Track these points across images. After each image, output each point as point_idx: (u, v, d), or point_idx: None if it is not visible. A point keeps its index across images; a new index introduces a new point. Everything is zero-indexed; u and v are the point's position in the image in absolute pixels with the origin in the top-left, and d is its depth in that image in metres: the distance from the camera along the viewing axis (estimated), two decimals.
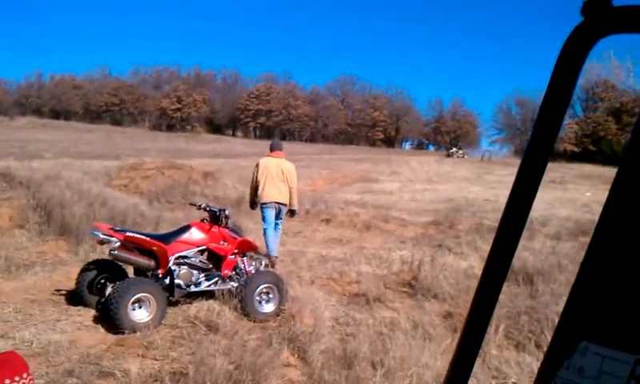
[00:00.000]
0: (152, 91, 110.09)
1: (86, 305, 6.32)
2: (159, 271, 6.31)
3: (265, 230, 9.11)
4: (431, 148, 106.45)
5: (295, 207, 9.36)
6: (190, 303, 6.45)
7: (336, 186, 24.91)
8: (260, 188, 9.10)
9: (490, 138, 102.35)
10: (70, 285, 6.72)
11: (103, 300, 6.02)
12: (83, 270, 6.45)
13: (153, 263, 6.28)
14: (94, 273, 6.38)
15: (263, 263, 7.14)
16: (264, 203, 9.08)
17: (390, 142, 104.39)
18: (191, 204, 8.11)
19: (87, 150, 41.67)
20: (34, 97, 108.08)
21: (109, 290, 5.91)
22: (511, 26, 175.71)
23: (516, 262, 8.13)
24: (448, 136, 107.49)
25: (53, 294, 6.83)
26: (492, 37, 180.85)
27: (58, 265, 8.26)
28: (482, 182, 29.47)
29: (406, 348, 5.02)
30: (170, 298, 6.27)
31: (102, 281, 6.33)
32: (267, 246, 9.05)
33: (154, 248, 6.28)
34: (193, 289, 6.51)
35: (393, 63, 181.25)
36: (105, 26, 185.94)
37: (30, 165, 17.45)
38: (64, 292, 6.81)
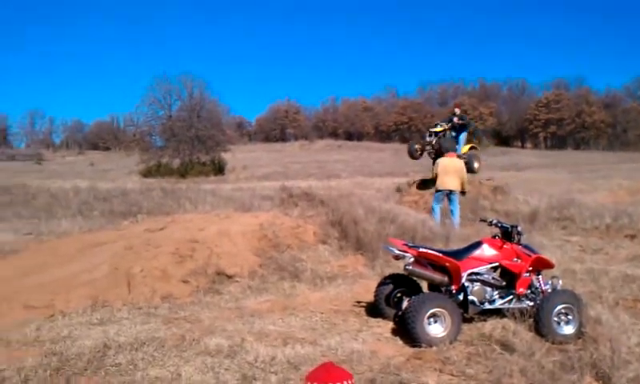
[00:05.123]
0: (438, 107, 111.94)
1: (384, 317, 6.63)
2: (453, 287, 6.36)
3: (434, 207, 12.95)
4: None
5: (466, 189, 13.09)
6: (485, 320, 6.37)
7: None
8: (438, 178, 12.88)
9: None
10: (369, 297, 7.11)
11: (400, 313, 6.26)
12: (380, 284, 6.80)
13: (446, 279, 6.36)
14: (390, 287, 6.68)
15: (560, 282, 6.75)
16: (440, 190, 12.89)
17: None
18: (482, 220, 8.02)
19: (378, 168, 44.01)
20: (329, 120, 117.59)
21: (405, 304, 6.13)
22: None
23: None
24: None
25: (354, 305, 7.29)
26: None
27: (358, 278, 8.78)
28: None
29: None
30: (464, 314, 6.29)
31: (399, 295, 6.59)
32: (435, 218, 12.48)
33: (447, 264, 6.35)
34: (487, 306, 6.42)
35: None
36: (391, 50, 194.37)
37: (328, 184, 19.01)
38: (364, 304, 7.23)
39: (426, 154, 16.35)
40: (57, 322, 6.59)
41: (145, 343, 5.67)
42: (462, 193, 13.10)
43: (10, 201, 19.84)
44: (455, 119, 15.86)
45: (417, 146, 16.45)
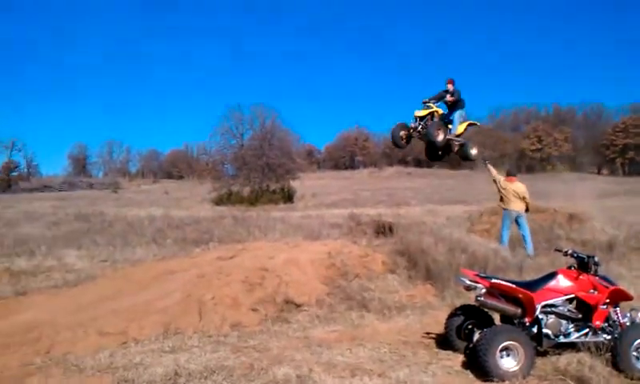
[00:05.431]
0: (510, 132, 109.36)
1: (454, 349, 6.51)
2: (526, 319, 6.18)
3: (502, 234, 12.93)
4: None
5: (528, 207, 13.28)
6: (559, 354, 6.15)
7: None
8: (503, 200, 13.17)
9: None
10: (439, 329, 6.99)
11: (471, 346, 6.12)
12: (451, 316, 6.69)
13: (519, 311, 6.19)
14: (461, 318, 6.56)
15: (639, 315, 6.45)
16: (506, 209, 13.10)
17: None
18: (557, 250, 7.76)
19: (449, 196, 43.53)
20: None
21: (476, 336, 6.00)
22: None
23: None
24: None
25: (423, 336, 7.18)
26: None
27: (427, 308, 8.65)
28: None
29: None
30: (538, 347, 6.08)
31: (470, 327, 6.47)
32: (502, 244, 12.36)
33: (520, 295, 6.19)
34: (562, 339, 6.21)
35: None
36: (461, 75, 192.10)
37: (398, 211, 18.85)
38: (433, 335, 7.11)
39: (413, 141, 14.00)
40: (129, 349, 6.76)
41: (214, 372, 5.75)
42: (526, 210, 13.25)
43: (88, 229, 20.59)
44: (448, 97, 13.38)
45: (402, 133, 13.47)
